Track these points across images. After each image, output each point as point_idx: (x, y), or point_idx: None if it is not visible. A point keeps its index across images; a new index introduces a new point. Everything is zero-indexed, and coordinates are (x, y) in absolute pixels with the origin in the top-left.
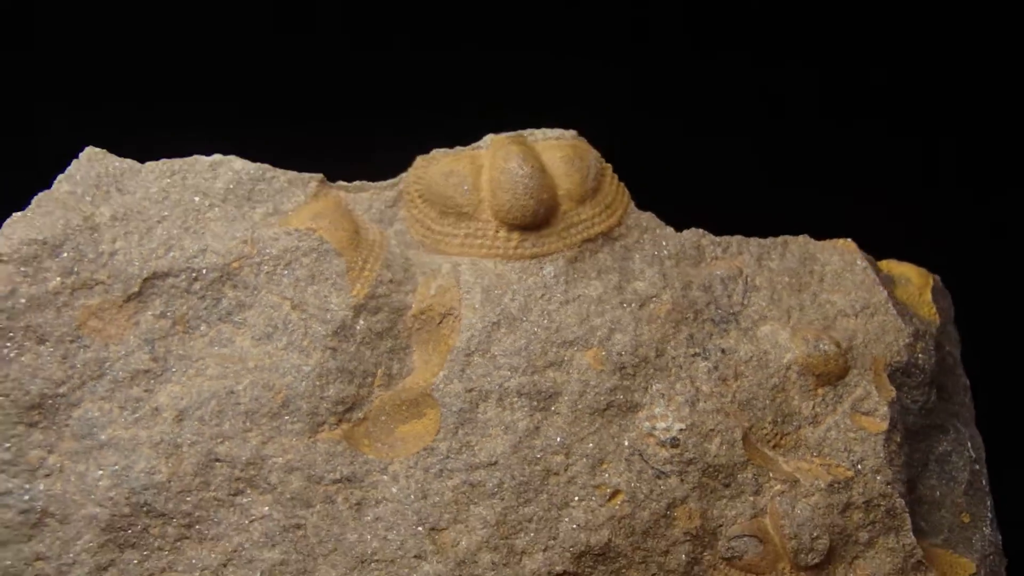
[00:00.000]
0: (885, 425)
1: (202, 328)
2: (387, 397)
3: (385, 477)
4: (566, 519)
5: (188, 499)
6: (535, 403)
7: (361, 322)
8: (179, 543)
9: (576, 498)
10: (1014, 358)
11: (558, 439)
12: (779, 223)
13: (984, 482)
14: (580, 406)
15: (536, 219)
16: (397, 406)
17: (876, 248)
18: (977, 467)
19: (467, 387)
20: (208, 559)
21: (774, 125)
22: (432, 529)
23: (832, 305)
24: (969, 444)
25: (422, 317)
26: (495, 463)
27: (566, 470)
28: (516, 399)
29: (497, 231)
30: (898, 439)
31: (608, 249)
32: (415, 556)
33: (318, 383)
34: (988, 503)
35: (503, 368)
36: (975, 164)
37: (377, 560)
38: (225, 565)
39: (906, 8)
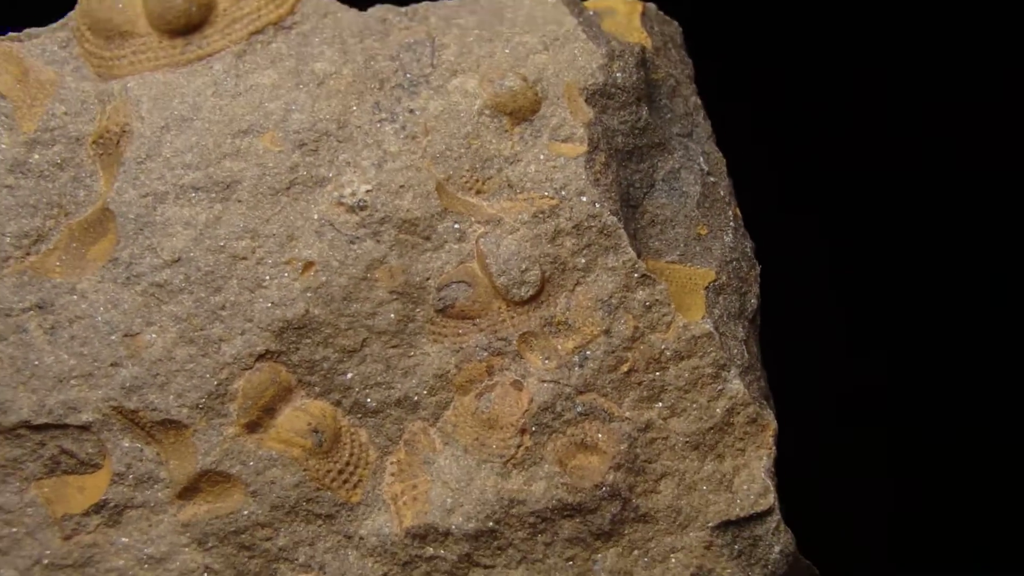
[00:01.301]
0: (584, 147)
1: None
2: (75, 224)
3: (75, 296)
4: (260, 300)
5: None
6: (213, 195)
7: (36, 156)
8: None
9: (267, 277)
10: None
11: (241, 224)
12: None
13: (724, 194)
14: (261, 189)
15: (191, 20)
16: (84, 230)
17: None
18: (712, 179)
19: (141, 193)
20: None
21: None
22: (125, 335)
23: (523, 46)
24: (701, 160)
25: (101, 142)
26: (178, 259)
27: (253, 252)
28: (193, 194)
29: (160, 41)
30: (602, 159)
31: (282, 38)
32: (111, 364)
33: None
34: (728, 213)
35: (176, 168)
36: None
37: (76, 376)
38: None
39: None
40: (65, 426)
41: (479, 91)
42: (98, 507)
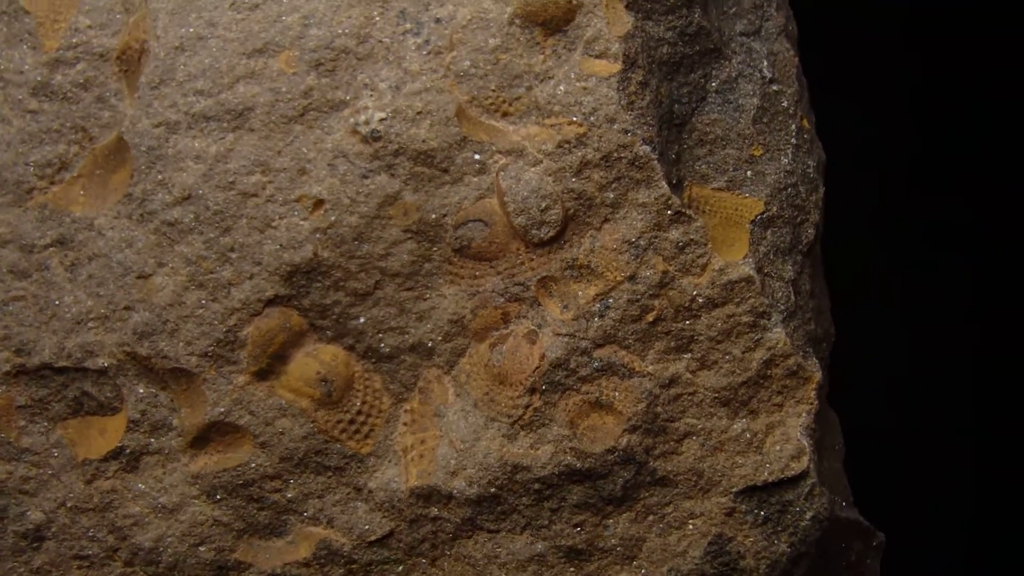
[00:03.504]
0: (618, 65)
1: None
2: (98, 149)
3: (93, 232)
4: (268, 241)
5: None
6: (225, 124)
7: (59, 77)
8: None
9: (277, 217)
10: None
11: (252, 157)
12: None
13: (788, 103)
14: (274, 117)
15: None
16: (107, 156)
17: None
18: (776, 87)
19: (154, 122)
20: None
21: None
22: (139, 277)
23: None
24: (765, 64)
25: (123, 58)
26: (188, 197)
27: (264, 189)
28: (205, 123)
29: None
30: (639, 77)
31: None
32: (124, 308)
33: (21, 150)
34: (791, 127)
35: (189, 94)
36: None
37: (93, 318)
38: None
39: None
40: (84, 369)
41: None
42: (116, 452)
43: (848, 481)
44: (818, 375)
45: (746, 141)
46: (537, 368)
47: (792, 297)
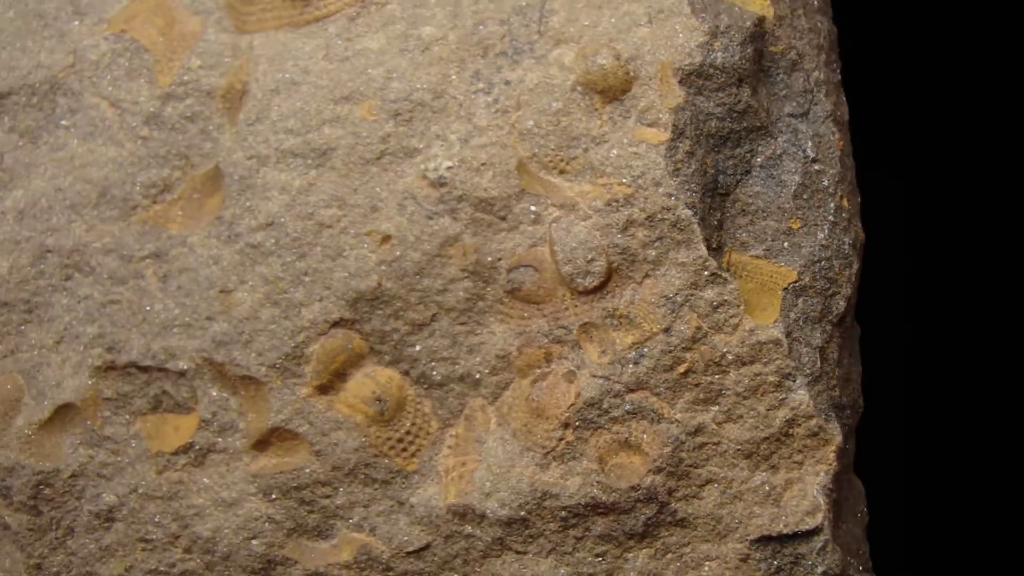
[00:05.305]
0: (667, 135)
1: (43, 136)
2: (197, 176)
3: (185, 249)
4: (339, 269)
5: (27, 288)
6: (309, 161)
7: (169, 109)
8: (22, 327)
9: (348, 247)
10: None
11: (331, 192)
12: None
13: (828, 183)
14: (353, 158)
15: None
16: (204, 182)
17: None
18: (818, 167)
19: (247, 155)
20: (44, 339)
21: None
22: (221, 291)
23: (630, 16)
24: (809, 145)
25: (228, 96)
26: (271, 223)
27: (339, 221)
28: (292, 159)
29: (283, 0)
30: (686, 147)
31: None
32: (207, 318)
33: (131, 171)
34: (830, 205)
35: (280, 132)
36: None
37: (178, 325)
38: (59, 343)
39: None
40: (165, 370)
41: (574, 65)
42: (186, 448)
43: (868, 549)
44: (838, 439)
45: (785, 214)
46: (572, 405)
47: (818, 363)
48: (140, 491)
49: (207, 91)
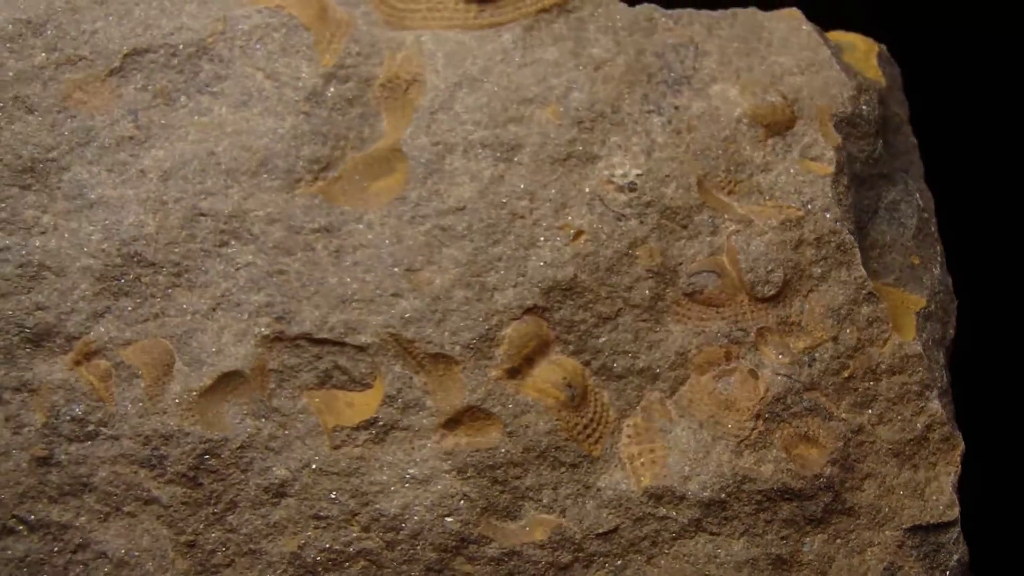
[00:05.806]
0: (832, 168)
1: (182, 99)
2: (359, 158)
3: (360, 226)
4: (533, 257)
5: (176, 250)
6: (498, 154)
7: (331, 89)
8: (170, 290)
9: (542, 238)
10: (961, 121)
11: (522, 185)
12: (728, 4)
13: (934, 230)
14: (541, 156)
15: None
16: (369, 165)
17: (822, 23)
18: (926, 215)
19: (433, 141)
20: (198, 304)
21: None
22: (407, 270)
23: (779, 65)
24: (918, 195)
25: (389, 86)
26: (463, 208)
27: (531, 213)
28: (480, 150)
29: (456, 3)
30: (845, 181)
31: (563, 20)
32: (392, 294)
33: (293, 144)
34: (938, 248)
35: (467, 123)
36: None
37: (358, 300)
38: (214, 309)
39: None
40: (343, 344)
41: (740, 100)
42: (368, 423)
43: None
44: (963, 445)
45: (908, 251)
46: (762, 398)
47: (944, 379)
48: (314, 466)
49: (365, 78)
